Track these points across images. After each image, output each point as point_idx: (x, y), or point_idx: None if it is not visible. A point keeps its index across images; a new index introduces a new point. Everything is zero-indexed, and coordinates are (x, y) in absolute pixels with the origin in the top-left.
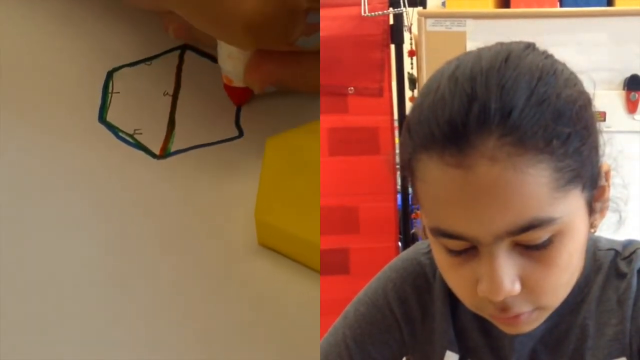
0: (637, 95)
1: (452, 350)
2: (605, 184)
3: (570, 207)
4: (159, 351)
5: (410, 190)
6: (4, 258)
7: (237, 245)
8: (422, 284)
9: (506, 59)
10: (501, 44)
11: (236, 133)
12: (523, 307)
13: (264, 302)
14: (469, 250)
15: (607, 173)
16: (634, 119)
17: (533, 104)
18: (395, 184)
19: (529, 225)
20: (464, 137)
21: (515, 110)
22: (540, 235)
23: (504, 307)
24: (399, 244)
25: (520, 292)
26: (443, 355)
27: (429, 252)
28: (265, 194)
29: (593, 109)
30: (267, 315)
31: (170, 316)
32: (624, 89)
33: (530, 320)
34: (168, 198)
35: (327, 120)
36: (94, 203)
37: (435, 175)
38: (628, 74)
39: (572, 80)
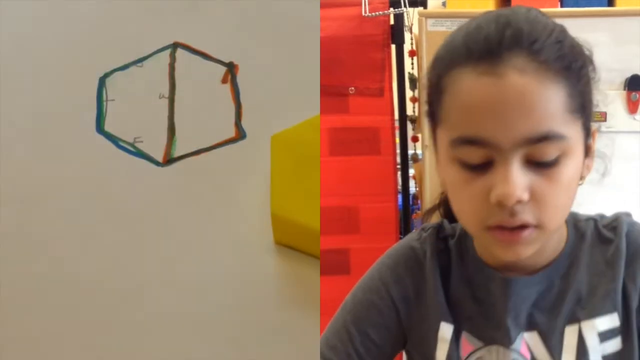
0: (637, 95)
1: (446, 320)
2: (592, 142)
3: (575, 134)
4: (182, 357)
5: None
6: (18, 270)
7: (253, 245)
8: (414, 265)
9: (527, 9)
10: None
11: (237, 132)
12: (528, 217)
13: (286, 301)
14: (484, 165)
15: (594, 133)
16: (634, 119)
17: (553, 41)
18: (396, 184)
19: (546, 136)
20: (498, 52)
21: (540, 40)
22: (552, 151)
23: (512, 213)
24: None
25: (527, 203)
26: (438, 327)
27: (419, 238)
28: (278, 191)
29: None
30: (291, 314)
31: (191, 322)
32: (624, 89)
33: (529, 239)
34: (178, 204)
35: (328, 120)
36: (103, 214)
37: (469, 84)
38: (629, 74)
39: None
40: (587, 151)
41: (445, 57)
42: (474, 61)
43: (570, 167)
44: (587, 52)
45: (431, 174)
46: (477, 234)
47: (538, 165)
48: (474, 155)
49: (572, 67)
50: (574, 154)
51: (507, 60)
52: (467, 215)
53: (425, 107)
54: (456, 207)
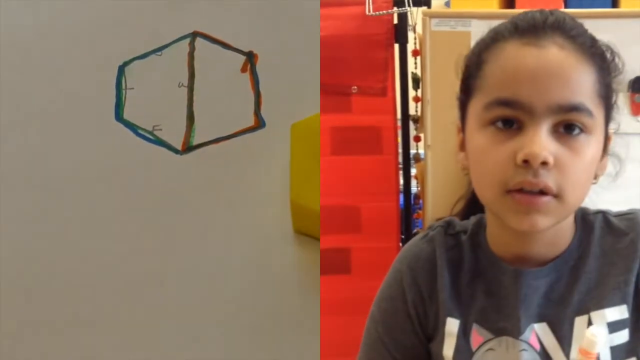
0: None
1: (452, 316)
2: (609, 142)
3: (599, 119)
4: (200, 346)
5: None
6: (36, 256)
7: (272, 233)
8: (425, 264)
9: (565, 14)
10: None
11: (256, 121)
12: (550, 182)
13: (305, 289)
14: (513, 130)
15: (610, 135)
16: (638, 121)
17: (589, 35)
18: (398, 183)
19: (577, 106)
20: (542, 30)
21: (577, 29)
22: (579, 121)
23: (535, 174)
24: (401, 244)
25: (551, 169)
26: (444, 322)
27: (426, 237)
28: (298, 179)
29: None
30: (310, 302)
31: (210, 309)
32: (628, 91)
33: (547, 208)
34: (196, 192)
35: (330, 119)
36: (122, 202)
37: (511, 51)
38: (633, 76)
39: None
40: (604, 149)
41: (488, 37)
42: (518, 34)
43: (592, 146)
44: (616, 56)
45: (433, 173)
46: (496, 200)
47: (564, 136)
48: (508, 113)
49: (604, 58)
50: (597, 138)
51: (549, 37)
52: (490, 178)
53: (457, 92)
54: (479, 172)
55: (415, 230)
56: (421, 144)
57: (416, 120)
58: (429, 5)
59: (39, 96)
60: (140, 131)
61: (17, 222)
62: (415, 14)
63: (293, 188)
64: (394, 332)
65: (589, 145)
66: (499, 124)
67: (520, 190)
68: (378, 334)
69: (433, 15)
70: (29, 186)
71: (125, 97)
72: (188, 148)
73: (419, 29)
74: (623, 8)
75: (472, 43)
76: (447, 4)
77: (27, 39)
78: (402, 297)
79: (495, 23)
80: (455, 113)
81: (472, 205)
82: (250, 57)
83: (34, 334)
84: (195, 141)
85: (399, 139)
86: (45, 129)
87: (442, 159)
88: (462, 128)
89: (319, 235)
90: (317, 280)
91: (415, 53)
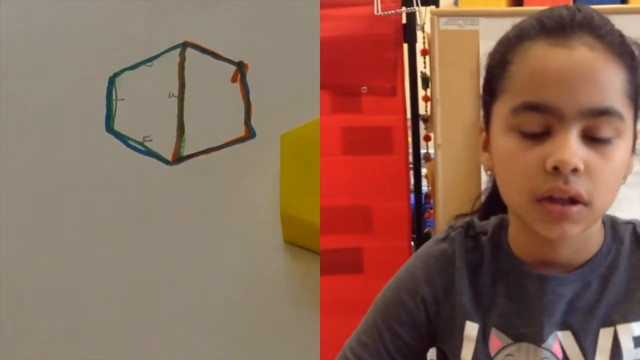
0: None
1: (471, 320)
2: (636, 142)
3: (629, 121)
4: (199, 348)
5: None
6: (28, 264)
7: (262, 244)
8: (444, 264)
9: (593, 9)
10: None
11: (246, 131)
12: (580, 187)
13: (295, 299)
14: (542, 135)
15: (637, 135)
16: None
17: (617, 33)
18: (409, 183)
19: (607, 110)
20: (570, 30)
21: (606, 28)
22: (609, 128)
23: (566, 181)
24: (412, 243)
25: (581, 176)
26: (463, 325)
27: (447, 237)
28: (288, 190)
29: None
30: (300, 312)
31: (200, 320)
32: None
33: (578, 217)
34: (187, 203)
35: (340, 120)
36: (112, 213)
37: (539, 52)
38: None
39: None
40: (632, 149)
41: (513, 36)
42: (545, 34)
43: (622, 150)
44: None
45: (443, 173)
46: (525, 207)
47: (594, 141)
48: (535, 122)
49: (633, 56)
50: (626, 141)
51: (578, 36)
52: (519, 185)
53: (480, 92)
54: (506, 178)
55: (426, 230)
56: (431, 143)
57: (426, 119)
58: (437, 4)
59: (29, 108)
60: (130, 142)
61: (10, 229)
62: (424, 14)
63: (283, 198)
64: (392, 322)
65: (619, 149)
66: (526, 131)
67: (551, 198)
68: (376, 321)
69: (441, 15)
70: (20, 197)
71: (115, 108)
72: (178, 159)
73: (427, 28)
74: (632, 4)
75: (481, 41)
76: (456, 3)
77: (16, 50)
78: (411, 291)
79: (504, 21)
80: (465, 112)
81: (492, 203)
82: (241, 67)
83: (31, 340)
84: (186, 152)
85: (409, 139)
86: (36, 141)
87: (452, 158)
88: (486, 128)
89: (310, 246)
90: (315, 282)
91: (424, 52)
